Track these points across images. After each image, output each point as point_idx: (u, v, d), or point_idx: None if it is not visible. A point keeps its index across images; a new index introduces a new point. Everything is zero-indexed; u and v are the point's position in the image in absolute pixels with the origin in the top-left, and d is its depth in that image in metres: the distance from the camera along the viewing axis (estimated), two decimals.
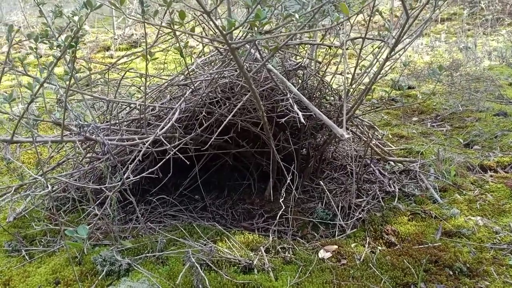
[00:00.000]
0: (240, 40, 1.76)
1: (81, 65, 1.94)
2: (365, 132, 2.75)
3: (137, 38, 6.26)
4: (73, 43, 1.26)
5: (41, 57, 1.68)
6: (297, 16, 1.26)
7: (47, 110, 1.88)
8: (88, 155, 2.32)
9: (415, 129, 3.55)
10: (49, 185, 1.48)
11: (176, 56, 2.25)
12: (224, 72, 2.07)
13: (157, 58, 1.69)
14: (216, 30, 1.31)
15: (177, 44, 1.86)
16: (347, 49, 1.91)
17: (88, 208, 2.17)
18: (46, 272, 1.92)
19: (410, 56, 5.34)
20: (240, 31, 1.79)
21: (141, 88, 2.52)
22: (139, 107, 2.20)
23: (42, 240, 2.15)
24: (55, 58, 1.34)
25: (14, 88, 3.92)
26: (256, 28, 1.31)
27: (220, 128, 1.94)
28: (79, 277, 1.85)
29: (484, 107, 3.75)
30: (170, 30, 1.57)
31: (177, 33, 1.73)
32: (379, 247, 2.08)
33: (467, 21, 7.02)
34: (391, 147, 3.18)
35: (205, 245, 1.97)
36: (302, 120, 1.67)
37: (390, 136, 3.40)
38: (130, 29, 6.43)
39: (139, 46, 6.10)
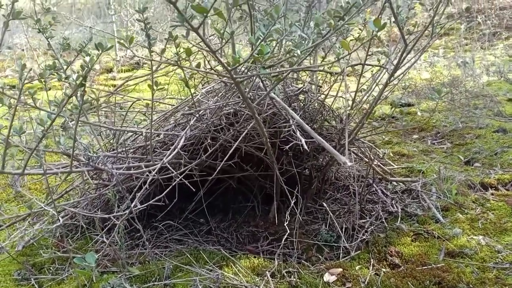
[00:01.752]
0: (244, 74, 1.81)
1: (88, 95, 1.98)
2: (367, 153, 2.79)
3: (139, 59, 6.34)
4: (83, 83, 1.32)
5: (50, 89, 1.73)
6: (298, 52, 1.31)
7: (54, 135, 1.92)
8: (95, 181, 2.36)
9: (415, 147, 3.59)
10: (60, 219, 1.52)
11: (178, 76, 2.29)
12: (228, 101, 2.12)
13: (163, 87, 1.74)
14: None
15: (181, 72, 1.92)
16: (347, 75, 1.95)
17: (96, 236, 2.20)
18: None
19: (409, 73, 5.39)
20: (243, 65, 1.84)
21: (147, 114, 2.57)
22: (145, 134, 2.25)
23: (51, 268, 2.17)
24: (66, 95, 1.39)
25: (20, 112, 3.97)
26: (259, 63, 1.36)
27: (227, 156, 1.99)
28: None
29: (483, 124, 3.79)
30: (177, 65, 1.62)
31: (183, 63, 1.78)
32: (383, 269, 2.11)
33: (464, 35, 7.10)
34: (392, 166, 3.21)
35: (211, 271, 2.00)
36: (306, 147, 1.71)
37: (392, 155, 3.44)
38: (133, 51, 6.50)
39: (142, 68, 6.17)
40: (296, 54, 1.32)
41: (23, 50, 6.85)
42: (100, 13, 8.84)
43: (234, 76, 1.40)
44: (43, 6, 1.94)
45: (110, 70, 6.23)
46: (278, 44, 1.62)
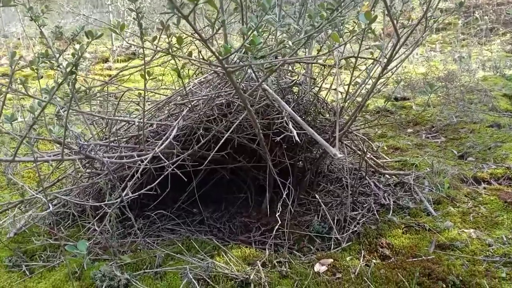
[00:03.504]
0: (236, 62, 1.81)
1: (80, 84, 1.98)
2: (360, 146, 2.80)
3: (135, 50, 6.31)
4: (74, 70, 1.32)
5: (42, 77, 1.72)
6: (290, 43, 1.31)
7: (46, 124, 1.92)
8: (87, 170, 2.36)
9: (410, 141, 3.60)
10: (50, 205, 1.52)
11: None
12: (221, 92, 2.12)
13: (155, 77, 1.74)
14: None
15: (174, 62, 1.91)
16: (341, 67, 1.95)
17: (88, 224, 2.21)
18: (46, 287, 1.95)
19: (405, 67, 5.40)
20: (235, 56, 1.84)
21: (140, 104, 2.56)
22: (137, 123, 2.24)
23: (42, 255, 2.18)
24: (56, 83, 1.39)
25: (13, 101, 3.96)
26: (251, 53, 1.36)
27: (219, 146, 1.99)
28: None
29: (478, 119, 3.80)
30: (168, 53, 1.62)
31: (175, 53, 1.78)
32: (374, 260, 2.12)
33: (462, 30, 7.09)
34: (386, 159, 3.22)
35: (202, 260, 2.01)
36: (297, 139, 1.71)
37: (385, 148, 3.45)
38: (128, 40, 6.47)
39: (138, 58, 6.15)
40: (288, 45, 1.33)
41: (19, 39, 6.81)
42: (96, 3, 8.79)
43: (226, 66, 1.40)
44: None
45: (106, 60, 6.21)
46: (271, 35, 1.62)
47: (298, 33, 1.43)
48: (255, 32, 1.26)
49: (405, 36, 1.90)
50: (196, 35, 1.38)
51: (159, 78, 3.11)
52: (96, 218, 2.12)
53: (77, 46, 1.29)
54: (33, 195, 1.93)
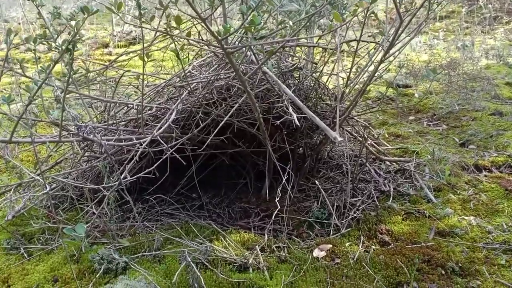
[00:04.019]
0: (235, 45, 1.78)
1: (79, 65, 1.96)
2: (361, 132, 2.78)
3: (136, 35, 6.27)
4: (70, 47, 1.29)
5: (39, 58, 1.70)
6: (291, 23, 1.28)
7: (45, 109, 1.90)
8: (86, 153, 2.35)
9: (411, 128, 3.58)
10: (47, 186, 1.51)
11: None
12: (220, 74, 2.09)
13: (155, 59, 1.72)
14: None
15: (174, 46, 1.89)
16: (342, 51, 1.93)
17: (86, 207, 2.20)
18: (45, 270, 1.95)
19: (408, 54, 5.36)
20: (235, 36, 1.82)
21: (139, 87, 2.54)
22: (136, 107, 2.23)
23: (41, 238, 2.17)
24: (53, 61, 1.37)
25: (12, 85, 3.94)
26: (251, 33, 1.33)
27: (217, 129, 1.97)
28: (77, 275, 1.88)
29: (480, 107, 3.77)
30: (166, 34, 1.59)
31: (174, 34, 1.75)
32: (373, 246, 2.11)
33: (465, 19, 7.03)
34: (387, 146, 3.21)
35: (201, 244, 2.00)
36: (297, 123, 1.69)
37: (387, 135, 3.43)
38: (129, 26, 6.43)
39: (138, 44, 6.11)
40: (288, 25, 1.30)
41: (19, 23, 6.76)
42: None
43: (225, 46, 1.38)
44: None
45: (106, 45, 6.16)
46: (272, 17, 1.59)
47: (298, 13, 1.41)
48: (255, 12, 1.24)
49: (408, 19, 1.87)
50: (195, 16, 1.36)
51: (159, 64, 3.09)
52: (95, 201, 2.11)
53: (73, 23, 1.26)
54: (32, 177, 1.92)
